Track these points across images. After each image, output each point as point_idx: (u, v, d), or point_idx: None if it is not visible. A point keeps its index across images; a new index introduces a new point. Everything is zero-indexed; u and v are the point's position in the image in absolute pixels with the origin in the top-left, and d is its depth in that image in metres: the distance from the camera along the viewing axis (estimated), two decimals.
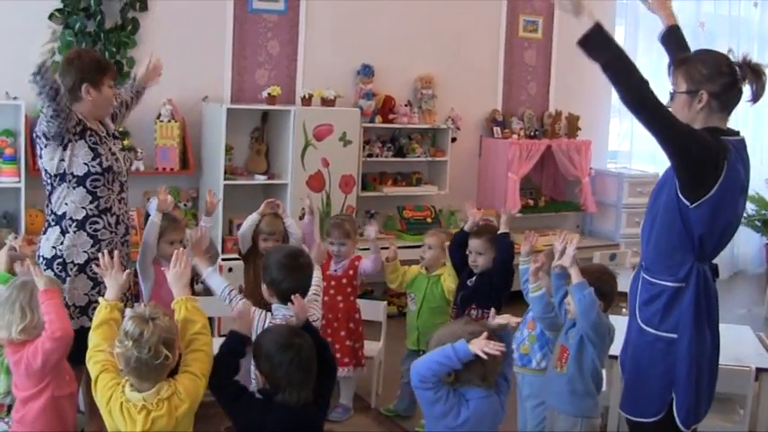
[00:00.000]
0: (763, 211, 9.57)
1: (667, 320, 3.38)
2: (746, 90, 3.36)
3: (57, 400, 3.47)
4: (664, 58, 3.82)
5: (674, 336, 3.37)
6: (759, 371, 4.48)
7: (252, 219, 5.08)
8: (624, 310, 3.95)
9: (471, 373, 3.12)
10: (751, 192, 9.46)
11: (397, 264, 5.18)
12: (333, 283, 5.14)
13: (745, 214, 9.33)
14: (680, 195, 3.27)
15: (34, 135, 4.18)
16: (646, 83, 3.19)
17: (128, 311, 3.05)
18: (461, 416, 3.11)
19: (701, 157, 3.20)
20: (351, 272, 5.18)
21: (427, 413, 3.22)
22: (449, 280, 4.96)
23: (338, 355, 4.82)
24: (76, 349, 3.42)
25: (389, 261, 5.18)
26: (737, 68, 3.31)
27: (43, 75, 3.76)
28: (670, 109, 3.36)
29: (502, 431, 4.47)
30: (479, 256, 4.68)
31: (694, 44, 8.68)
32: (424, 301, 5.07)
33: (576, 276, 3.63)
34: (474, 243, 4.70)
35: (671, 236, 3.35)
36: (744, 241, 9.90)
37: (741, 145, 3.36)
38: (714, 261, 3.49)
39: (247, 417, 3.25)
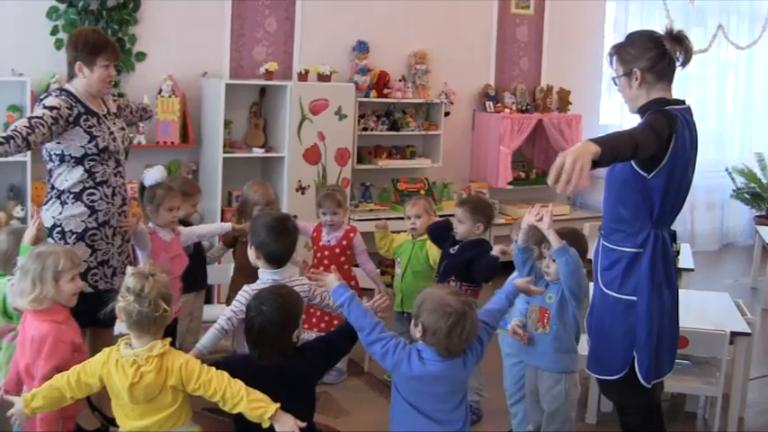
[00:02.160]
0: (753, 185, 9.75)
1: (627, 284, 3.57)
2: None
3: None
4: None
5: (634, 298, 3.55)
6: (734, 335, 4.68)
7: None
8: None
9: (438, 341, 3.19)
10: (740, 165, 9.69)
11: (386, 231, 5.39)
12: (327, 253, 5.32)
13: (734, 187, 9.58)
14: (636, 168, 3.45)
15: None
16: (636, 146, 3.26)
17: (128, 269, 3.21)
18: (415, 370, 3.21)
19: (660, 142, 3.38)
20: (344, 242, 5.32)
21: (383, 366, 3.34)
22: (433, 248, 5.10)
23: (335, 322, 4.88)
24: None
25: (379, 228, 5.37)
26: (664, 41, 3.53)
27: None
28: (618, 91, 3.66)
29: (489, 391, 4.73)
30: (460, 224, 4.80)
31: (685, 20, 8.88)
32: (408, 264, 5.21)
33: (556, 241, 3.72)
34: (456, 211, 4.83)
35: (628, 206, 3.54)
36: (733, 214, 10.10)
37: (688, 113, 3.56)
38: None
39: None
